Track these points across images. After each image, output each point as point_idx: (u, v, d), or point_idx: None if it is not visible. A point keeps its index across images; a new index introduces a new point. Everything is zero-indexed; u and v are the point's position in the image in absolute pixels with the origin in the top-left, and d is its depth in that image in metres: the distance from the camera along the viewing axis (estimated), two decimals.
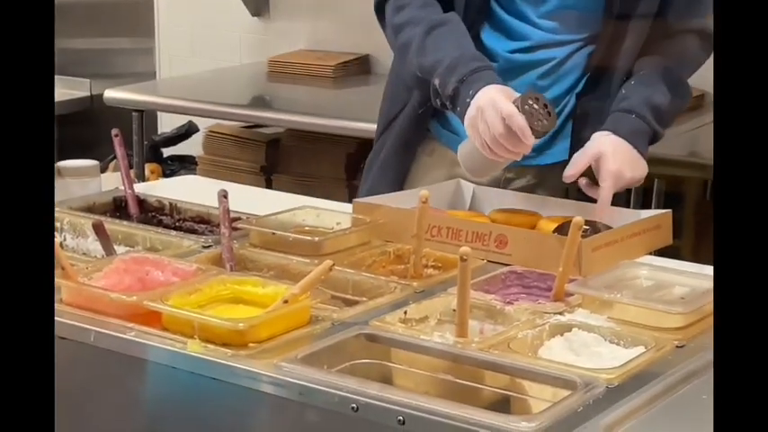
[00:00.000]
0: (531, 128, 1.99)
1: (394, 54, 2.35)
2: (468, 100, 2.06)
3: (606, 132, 2.13)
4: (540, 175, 2.28)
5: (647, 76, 2.19)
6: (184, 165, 4.46)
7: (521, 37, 2.21)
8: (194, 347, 1.56)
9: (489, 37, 2.23)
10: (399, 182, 2.32)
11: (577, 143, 2.19)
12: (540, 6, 2.20)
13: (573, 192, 2.23)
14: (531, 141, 2.00)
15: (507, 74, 2.17)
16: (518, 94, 2.04)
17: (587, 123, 2.21)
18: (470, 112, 2.05)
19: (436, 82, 2.13)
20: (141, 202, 2.26)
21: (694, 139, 3.28)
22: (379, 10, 2.31)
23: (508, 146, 2.01)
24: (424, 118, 2.30)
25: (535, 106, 2.00)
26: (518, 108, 1.99)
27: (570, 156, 2.18)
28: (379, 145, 2.40)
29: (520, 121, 1.98)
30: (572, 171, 2.10)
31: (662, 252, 2.09)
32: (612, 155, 2.09)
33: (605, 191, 2.08)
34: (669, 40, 2.24)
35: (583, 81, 2.24)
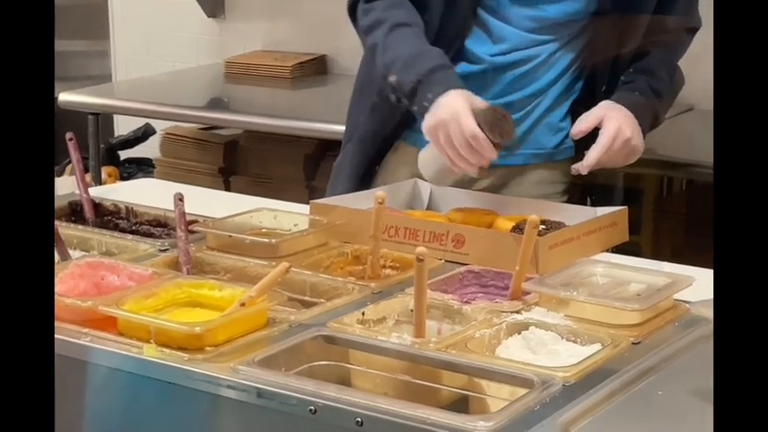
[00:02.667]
0: (494, 142, 1.99)
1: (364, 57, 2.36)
2: (425, 104, 2.06)
3: (610, 101, 2.17)
4: (507, 177, 2.29)
5: (648, 63, 2.24)
6: (142, 168, 4.44)
7: (503, 39, 2.21)
8: (150, 352, 1.55)
9: (473, 41, 2.23)
10: (367, 184, 2.32)
11: (581, 146, 2.22)
12: (526, 10, 2.19)
13: (536, 192, 2.25)
14: (494, 156, 2.02)
15: (491, 75, 2.20)
16: (477, 100, 2.05)
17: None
18: (430, 120, 2.05)
19: (392, 79, 2.13)
20: (97, 206, 2.24)
21: (651, 135, 3.29)
22: (351, 12, 2.29)
23: (471, 160, 2.02)
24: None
25: (496, 119, 2.01)
26: (479, 123, 1.99)
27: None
28: (346, 151, 2.39)
29: (483, 142, 1.99)
30: (578, 129, 2.15)
31: (620, 249, 2.11)
32: (616, 116, 2.13)
33: (604, 136, 2.10)
34: (665, 35, 2.26)
35: (566, 80, 2.26)
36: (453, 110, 2.01)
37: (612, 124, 2.11)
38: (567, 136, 2.28)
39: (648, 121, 2.21)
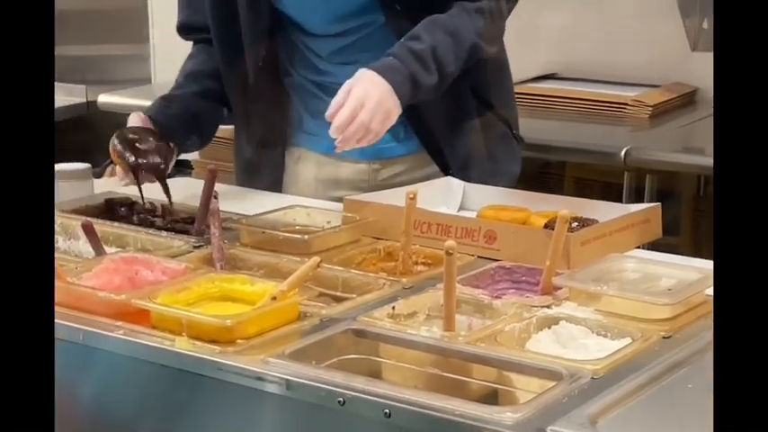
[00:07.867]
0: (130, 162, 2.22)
1: None
2: None
3: (362, 69, 2.13)
4: (401, 167, 2.39)
5: (415, 29, 2.19)
6: (180, 169, 4.44)
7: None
8: (182, 344, 1.56)
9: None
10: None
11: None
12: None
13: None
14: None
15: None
16: (137, 120, 2.35)
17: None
18: None
19: None
20: (133, 204, 2.27)
21: (687, 134, 3.28)
22: None
23: None
24: None
25: (132, 139, 2.26)
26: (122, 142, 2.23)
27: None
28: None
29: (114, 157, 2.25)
30: (330, 111, 2.09)
31: (658, 248, 2.09)
32: (362, 83, 2.09)
33: (339, 95, 2.09)
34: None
35: None
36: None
37: (359, 89, 2.07)
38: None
39: (405, 83, 2.12)
